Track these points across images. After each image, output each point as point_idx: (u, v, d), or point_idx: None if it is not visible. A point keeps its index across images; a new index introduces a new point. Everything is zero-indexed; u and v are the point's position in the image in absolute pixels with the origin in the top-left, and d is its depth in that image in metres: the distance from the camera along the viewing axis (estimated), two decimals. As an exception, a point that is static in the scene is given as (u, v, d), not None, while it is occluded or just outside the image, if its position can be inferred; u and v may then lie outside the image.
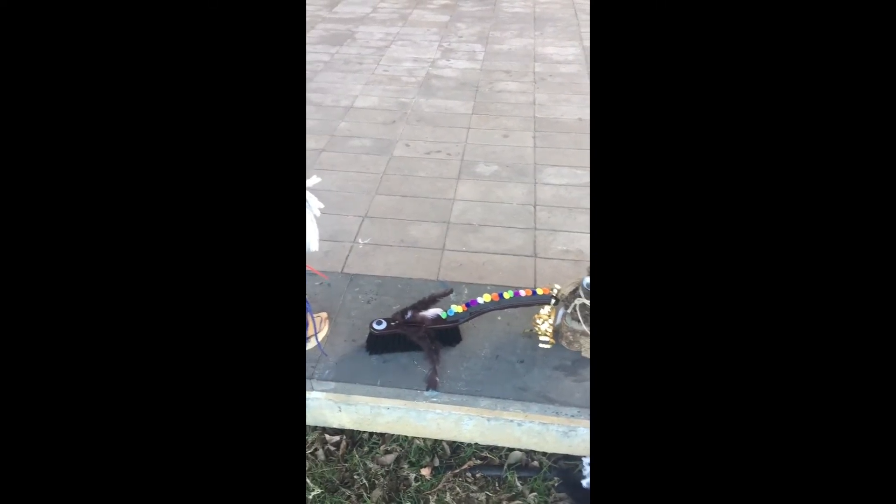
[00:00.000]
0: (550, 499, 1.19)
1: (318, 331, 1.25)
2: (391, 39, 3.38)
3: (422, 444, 1.29)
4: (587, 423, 1.16)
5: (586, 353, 1.23)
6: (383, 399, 1.20)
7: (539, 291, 1.29)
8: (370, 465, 1.26)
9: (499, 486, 1.21)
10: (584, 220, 1.82)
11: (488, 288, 1.39)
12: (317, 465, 1.27)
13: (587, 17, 3.75)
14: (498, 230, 1.77)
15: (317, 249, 1.16)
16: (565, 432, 1.20)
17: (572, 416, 1.14)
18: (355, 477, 1.24)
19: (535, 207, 1.88)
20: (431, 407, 1.20)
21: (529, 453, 1.27)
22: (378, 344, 1.23)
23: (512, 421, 1.20)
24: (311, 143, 2.25)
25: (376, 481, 1.23)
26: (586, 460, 1.18)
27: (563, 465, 1.24)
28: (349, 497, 1.20)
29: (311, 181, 1.10)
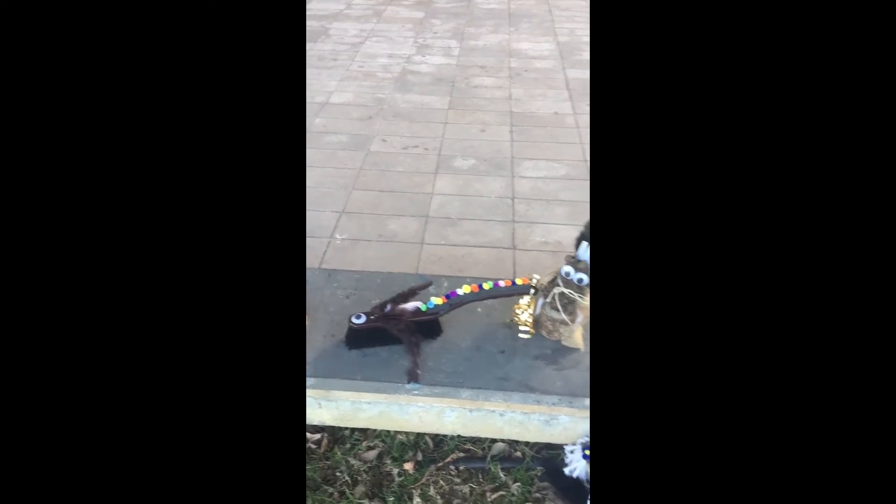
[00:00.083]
0: (534, 489, 1.19)
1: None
2: (366, 36, 3.35)
3: (404, 438, 1.28)
4: (568, 411, 1.16)
5: (566, 342, 1.23)
6: (364, 394, 1.19)
7: (518, 282, 1.29)
8: (352, 461, 1.24)
9: (482, 477, 1.21)
10: (562, 211, 1.83)
11: (468, 280, 1.39)
12: (298, 463, 1.25)
13: (561, 13, 3.78)
14: (477, 223, 1.77)
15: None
16: (547, 421, 1.20)
17: (553, 404, 1.14)
18: (337, 474, 1.22)
19: (513, 200, 1.88)
20: (413, 400, 1.20)
21: (512, 444, 1.27)
22: (357, 338, 1.22)
23: (494, 411, 1.20)
24: (286, 140, 2.22)
25: (359, 478, 1.21)
26: (568, 448, 1.18)
27: (546, 454, 1.24)
28: (331, 494, 1.19)
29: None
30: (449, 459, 1.24)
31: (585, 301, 1.18)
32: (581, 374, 1.18)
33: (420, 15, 3.76)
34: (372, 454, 1.26)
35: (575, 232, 1.22)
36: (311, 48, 3.16)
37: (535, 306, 1.25)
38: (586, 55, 3.11)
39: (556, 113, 2.48)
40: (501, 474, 1.21)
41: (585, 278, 1.17)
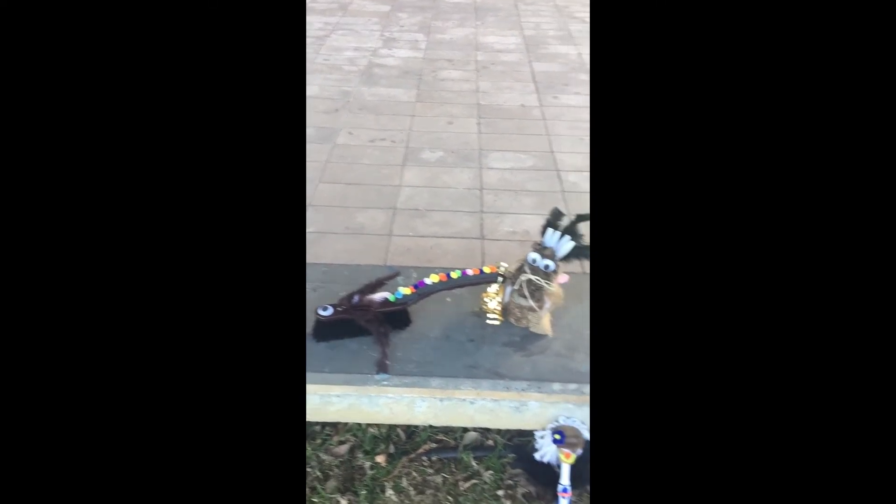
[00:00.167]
0: (506, 476, 1.19)
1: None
2: (331, 29, 3.31)
3: (376, 432, 1.27)
4: (538, 396, 1.17)
5: (534, 329, 1.24)
6: (333, 386, 1.18)
7: (486, 270, 1.29)
8: (324, 456, 1.23)
9: (455, 467, 1.21)
10: (530, 202, 1.84)
11: (437, 271, 1.38)
12: (267, 460, 1.23)
13: (527, 7, 3.80)
14: (445, 214, 1.76)
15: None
16: (517, 407, 1.20)
17: (522, 389, 1.15)
18: (308, 470, 1.20)
19: (481, 191, 1.88)
20: (383, 391, 1.19)
21: (484, 433, 1.27)
22: (325, 330, 1.20)
23: (464, 400, 1.20)
24: (249, 135, 2.18)
25: (330, 472, 1.20)
26: (539, 434, 1.19)
27: (518, 441, 1.25)
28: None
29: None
30: (421, 451, 1.23)
31: (552, 287, 1.19)
32: (549, 359, 1.19)
33: (386, 9, 3.73)
34: (343, 448, 1.24)
35: (542, 221, 1.22)
36: (274, 42, 3.11)
37: (504, 294, 1.25)
38: (552, 48, 3.14)
39: (522, 105, 2.49)
40: (474, 463, 1.21)
41: (552, 265, 1.18)
